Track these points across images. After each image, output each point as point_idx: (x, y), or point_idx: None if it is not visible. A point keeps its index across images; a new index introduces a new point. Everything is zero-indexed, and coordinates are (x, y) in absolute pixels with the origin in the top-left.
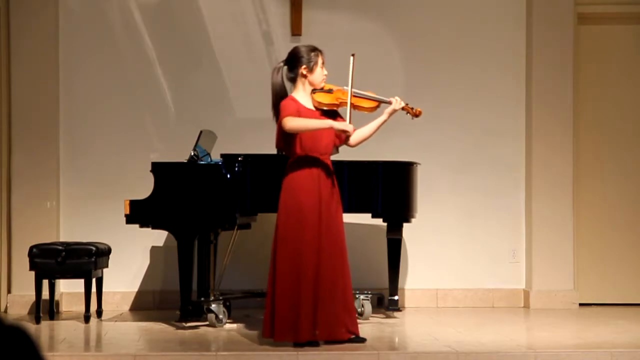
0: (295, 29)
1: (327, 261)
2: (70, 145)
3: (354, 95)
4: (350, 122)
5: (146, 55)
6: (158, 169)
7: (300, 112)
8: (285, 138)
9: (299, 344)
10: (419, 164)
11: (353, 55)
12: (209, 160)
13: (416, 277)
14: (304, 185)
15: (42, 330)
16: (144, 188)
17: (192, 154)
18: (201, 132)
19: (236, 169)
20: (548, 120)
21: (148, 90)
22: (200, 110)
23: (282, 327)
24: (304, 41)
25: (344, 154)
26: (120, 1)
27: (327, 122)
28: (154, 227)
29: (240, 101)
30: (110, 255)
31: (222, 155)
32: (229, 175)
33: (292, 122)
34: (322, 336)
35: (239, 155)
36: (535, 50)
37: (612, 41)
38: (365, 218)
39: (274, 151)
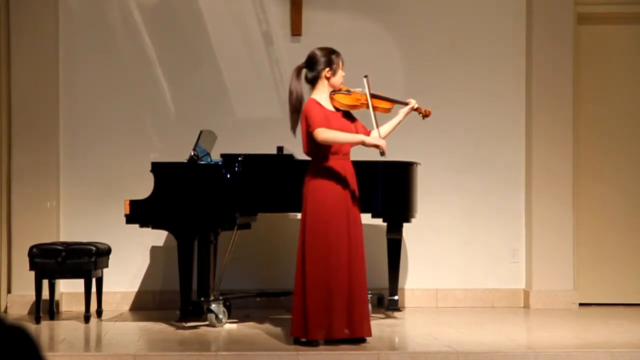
0: (295, 29)
1: (355, 260)
2: (70, 145)
3: (372, 97)
4: (362, 127)
5: (146, 55)
6: (158, 169)
7: (327, 116)
8: (315, 144)
9: (299, 342)
10: (419, 164)
11: (366, 76)
12: (209, 160)
13: (416, 277)
14: (330, 186)
15: (42, 330)
16: (144, 188)
17: (192, 154)
18: (201, 132)
19: (236, 169)
20: (548, 121)
21: (148, 90)
22: (200, 110)
23: (316, 324)
24: (304, 41)
25: None
26: (120, 1)
27: (360, 138)
28: (154, 227)
29: (240, 101)
30: (110, 255)
31: (222, 155)
32: (229, 175)
33: (324, 134)
34: (357, 333)
35: (239, 155)
36: (535, 50)
37: (612, 41)
38: (365, 218)
39: (274, 151)
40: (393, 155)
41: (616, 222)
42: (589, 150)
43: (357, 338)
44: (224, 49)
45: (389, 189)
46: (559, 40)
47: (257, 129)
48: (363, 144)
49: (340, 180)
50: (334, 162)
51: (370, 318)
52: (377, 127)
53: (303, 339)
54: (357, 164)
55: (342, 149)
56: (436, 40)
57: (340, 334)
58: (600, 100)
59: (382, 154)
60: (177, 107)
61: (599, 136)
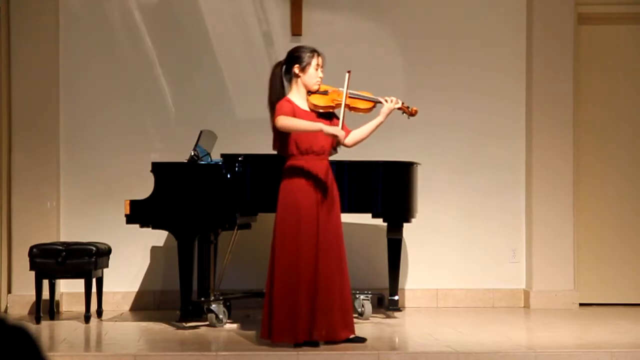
0: (295, 29)
1: (324, 261)
2: (70, 146)
3: (350, 97)
4: (343, 126)
5: (146, 55)
6: (158, 169)
7: (296, 113)
8: (282, 139)
9: (299, 344)
10: (419, 164)
11: (349, 72)
12: (209, 160)
13: (416, 277)
14: (301, 186)
15: (42, 331)
16: (144, 188)
17: (192, 154)
18: (201, 132)
19: (236, 169)
20: (548, 121)
21: (148, 91)
22: (200, 111)
23: (281, 328)
24: (304, 41)
25: (344, 154)
26: (121, 1)
27: (318, 126)
28: (154, 227)
29: (240, 101)
30: (111, 255)
31: (222, 155)
32: (229, 175)
33: (284, 121)
34: (320, 337)
35: (239, 155)
36: (535, 50)
37: (612, 41)
38: (365, 218)
39: (274, 151)
40: (393, 155)
41: (616, 222)
42: (589, 150)
43: (358, 338)
44: (224, 49)
45: (389, 189)
46: (559, 40)
47: (257, 129)
48: (322, 132)
49: (311, 181)
50: (305, 162)
51: (354, 320)
52: (343, 124)
53: (299, 343)
54: (357, 164)
55: (313, 148)
56: (436, 40)
57: (306, 336)
58: (601, 100)
59: (338, 144)
60: (177, 107)
61: (599, 136)
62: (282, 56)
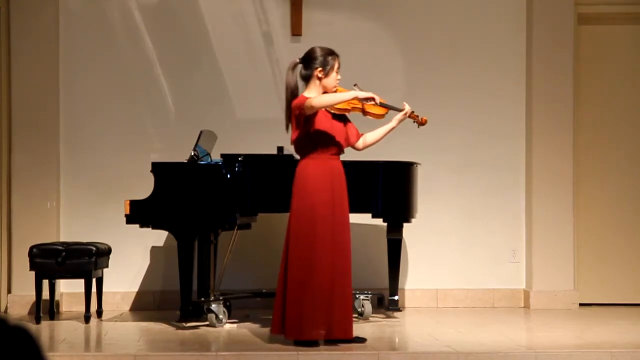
0: (295, 29)
1: (339, 261)
2: (70, 146)
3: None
4: (355, 130)
5: (146, 55)
6: (158, 169)
7: (315, 112)
8: (302, 136)
9: (299, 342)
10: (419, 164)
11: (356, 84)
12: (209, 160)
13: (416, 277)
14: (317, 185)
15: (42, 331)
16: (144, 188)
17: (192, 154)
18: (201, 132)
19: (236, 169)
20: (548, 121)
21: (148, 91)
22: (200, 111)
23: (294, 325)
24: (304, 41)
25: (345, 155)
26: (121, 1)
27: (352, 93)
28: (154, 227)
29: (240, 101)
30: (110, 255)
31: (222, 156)
32: (229, 176)
33: (317, 99)
34: (335, 335)
35: (239, 155)
36: (535, 50)
37: (612, 41)
38: (365, 218)
39: (274, 151)
40: (393, 155)
41: (616, 222)
42: (589, 150)
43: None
44: (224, 49)
45: (389, 189)
46: (559, 40)
47: (257, 129)
48: (357, 98)
49: (327, 181)
50: (321, 162)
51: (353, 319)
52: (354, 127)
53: (301, 340)
54: (357, 164)
55: (330, 147)
56: (436, 40)
57: (316, 335)
58: (600, 100)
59: (376, 104)
60: (177, 107)
61: (599, 136)
62: (282, 56)
